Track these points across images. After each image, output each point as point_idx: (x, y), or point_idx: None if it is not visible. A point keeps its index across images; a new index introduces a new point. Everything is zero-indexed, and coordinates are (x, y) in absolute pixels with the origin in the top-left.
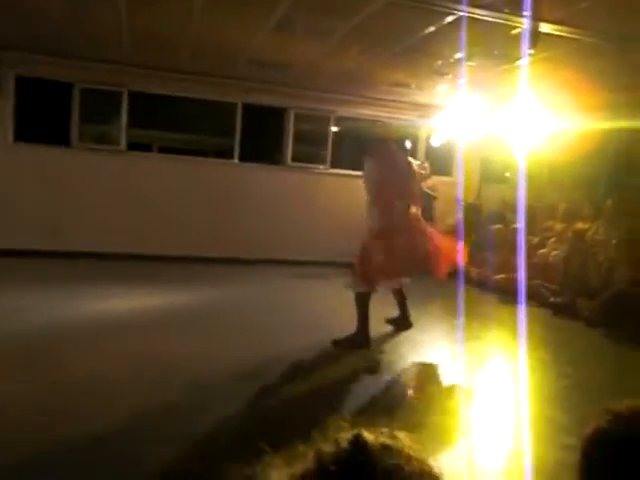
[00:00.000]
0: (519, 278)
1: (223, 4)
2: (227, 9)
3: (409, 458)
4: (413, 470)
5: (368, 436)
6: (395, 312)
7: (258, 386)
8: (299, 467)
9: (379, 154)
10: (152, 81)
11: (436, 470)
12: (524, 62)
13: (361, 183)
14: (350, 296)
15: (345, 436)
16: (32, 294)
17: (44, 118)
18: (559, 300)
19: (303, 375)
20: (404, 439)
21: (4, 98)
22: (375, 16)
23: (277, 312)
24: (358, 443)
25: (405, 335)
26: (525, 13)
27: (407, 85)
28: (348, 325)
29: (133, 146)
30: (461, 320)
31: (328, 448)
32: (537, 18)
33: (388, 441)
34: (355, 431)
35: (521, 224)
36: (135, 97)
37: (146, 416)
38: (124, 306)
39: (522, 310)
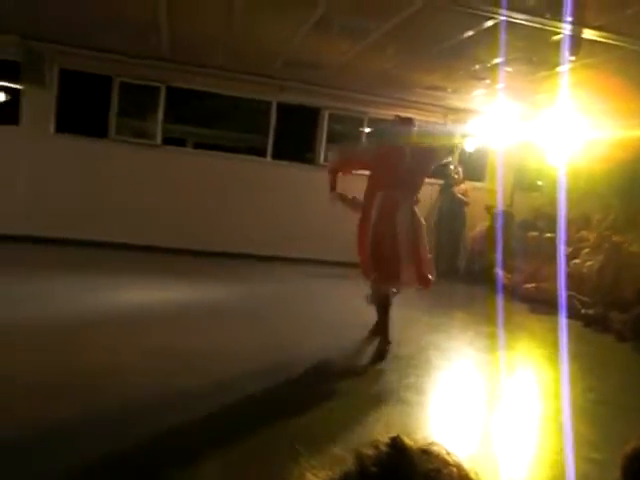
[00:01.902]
0: (557, 288)
1: (263, 4)
2: (266, 9)
3: (447, 463)
4: (451, 474)
5: (407, 440)
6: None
7: (276, 383)
8: (337, 470)
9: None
10: (189, 77)
11: (473, 476)
12: (564, 69)
13: None
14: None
15: (383, 440)
16: (65, 281)
17: (84, 110)
18: (591, 312)
19: (323, 376)
20: (441, 446)
21: (48, 90)
22: (414, 18)
23: (301, 310)
24: (398, 446)
25: (431, 340)
26: (567, 19)
27: (442, 88)
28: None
29: (168, 141)
30: (490, 328)
31: (367, 451)
32: (580, 24)
33: (426, 446)
34: (393, 434)
35: (560, 233)
36: (172, 93)
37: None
38: (152, 298)
39: (558, 321)
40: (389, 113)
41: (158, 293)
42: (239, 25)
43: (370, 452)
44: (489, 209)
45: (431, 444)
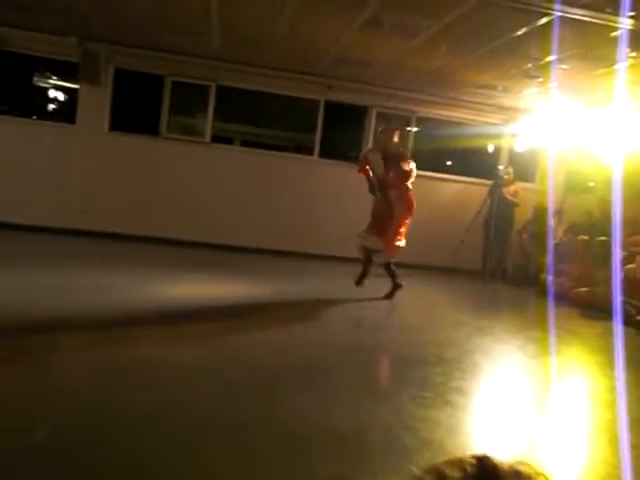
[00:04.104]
0: (610, 293)
1: (314, 3)
2: (317, 7)
3: None
4: None
5: (495, 459)
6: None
7: (319, 385)
8: None
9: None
10: (239, 76)
11: None
12: (622, 65)
13: (440, 184)
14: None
15: (468, 460)
16: (116, 275)
17: (137, 109)
18: None
19: (366, 378)
20: (528, 464)
21: (103, 90)
22: (467, 16)
23: (351, 310)
24: (486, 466)
25: (478, 343)
26: (628, 13)
27: (493, 87)
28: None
29: (216, 139)
30: (539, 333)
31: (452, 472)
32: None
33: (515, 465)
34: (478, 454)
35: (613, 236)
36: (221, 91)
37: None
38: (200, 292)
39: (610, 327)
40: (437, 112)
41: (196, 287)
42: (289, 24)
43: (456, 474)
44: (538, 210)
45: (519, 463)
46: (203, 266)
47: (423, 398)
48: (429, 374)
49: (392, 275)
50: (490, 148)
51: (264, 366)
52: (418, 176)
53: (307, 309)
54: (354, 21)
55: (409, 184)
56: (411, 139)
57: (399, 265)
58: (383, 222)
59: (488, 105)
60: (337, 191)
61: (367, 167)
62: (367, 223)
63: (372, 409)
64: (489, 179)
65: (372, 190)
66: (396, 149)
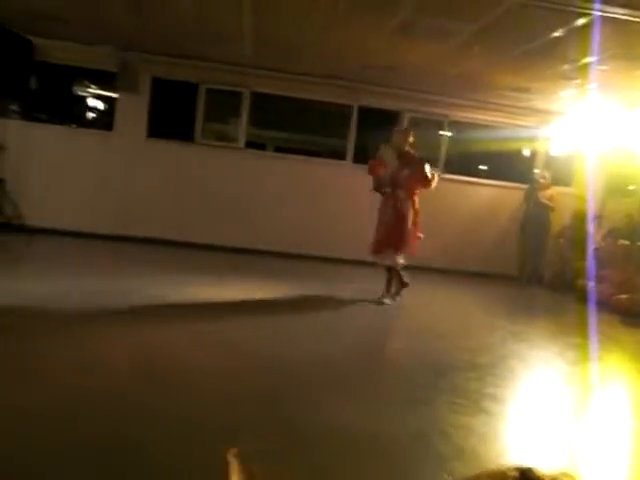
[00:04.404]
0: None
1: (346, 9)
2: (349, 14)
3: None
4: None
5: (537, 471)
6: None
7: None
8: None
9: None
10: (272, 82)
11: None
12: None
13: (473, 188)
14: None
15: (509, 472)
16: (147, 278)
17: (173, 116)
18: None
19: (404, 385)
20: (572, 475)
21: (140, 98)
22: (501, 17)
23: (382, 314)
24: (529, 479)
25: (513, 349)
26: None
27: (527, 90)
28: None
29: (249, 144)
30: (578, 339)
31: None
32: None
33: (560, 477)
34: (520, 466)
35: None
36: (255, 97)
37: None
38: (232, 295)
39: None
40: (470, 116)
41: (227, 291)
42: (321, 30)
43: None
44: (576, 215)
45: (563, 474)
46: (237, 271)
47: (457, 405)
48: (463, 380)
49: (398, 276)
50: (525, 152)
51: (299, 371)
52: (451, 180)
53: (341, 314)
54: (386, 26)
55: (432, 187)
56: (444, 143)
57: (417, 269)
58: (393, 227)
59: (522, 108)
60: (370, 195)
61: (380, 167)
62: (377, 231)
63: (405, 415)
64: (524, 183)
65: (379, 187)
66: (412, 150)
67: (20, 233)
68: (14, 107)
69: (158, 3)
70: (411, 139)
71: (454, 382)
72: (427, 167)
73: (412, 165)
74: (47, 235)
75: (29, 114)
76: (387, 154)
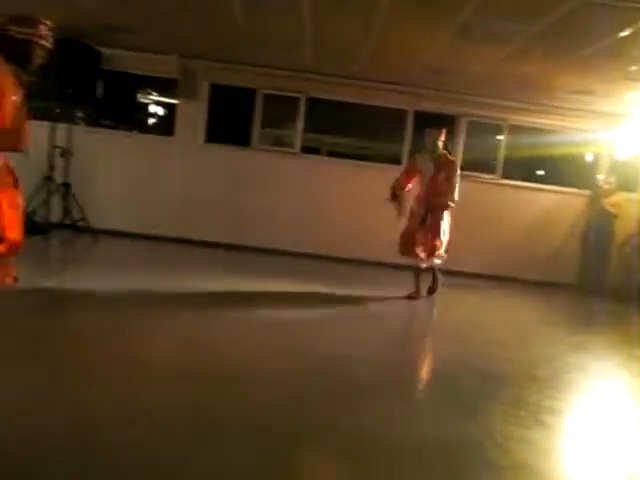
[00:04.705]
0: None
1: (405, 14)
2: (408, 19)
3: None
4: None
5: None
6: None
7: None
8: None
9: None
10: (328, 88)
11: None
12: None
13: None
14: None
15: None
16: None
17: (230, 121)
18: None
19: (462, 397)
20: None
21: (200, 104)
22: (566, 17)
23: (435, 319)
24: None
25: (574, 361)
26: None
27: (591, 92)
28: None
29: (304, 149)
30: None
31: None
32: None
33: None
34: None
35: None
36: (310, 102)
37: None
38: (289, 297)
39: None
40: (530, 120)
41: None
42: (380, 35)
43: None
44: None
45: None
46: (295, 275)
47: (513, 416)
48: (521, 392)
49: (436, 276)
50: (588, 156)
51: (351, 377)
52: (510, 186)
53: (391, 318)
54: (445, 30)
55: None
56: (502, 148)
57: (469, 275)
58: (429, 231)
59: (585, 110)
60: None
61: (410, 178)
62: (408, 232)
63: (463, 426)
64: (587, 189)
65: (395, 195)
66: (444, 150)
67: (85, 234)
68: (80, 114)
69: (222, 16)
70: (442, 139)
71: (510, 393)
72: (456, 173)
73: (447, 168)
74: (110, 236)
75: (94, 120)
76: (422, 161)
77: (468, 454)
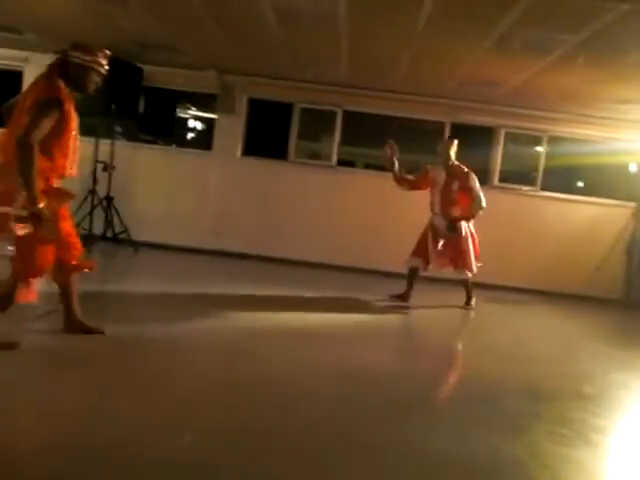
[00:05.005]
0: None
1: (443, 26)
2: (446, 31)
3: None
4: None
5: None
6: None
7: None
8: None
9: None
10: (364, 101)
11: None
12: None
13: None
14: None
15: None
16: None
17: (267, 135)
18: None
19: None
20: None
21: (237, 118)
22: (611, 25)
23: (472, 336)
24: None
25: (620, 378)
26: None
27: (635, 101)
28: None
29: (339, 162)
30: None
31: None
32: None
33: None
34: None
35: None
36: (346, 116)
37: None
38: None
39: None
40: (570, 130)
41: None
42: (416, 48)
43: None
44: None
45: None
46: (330, 287)
47: (558, 435)
48: (564, 409)
49: (469, 288)
50: (632, 167)
51: (393, 394)
52: (550, 198)
53: (429, 332)
54: (483, 41)
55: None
56: (542, 160)
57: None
58: (451, 246)
59: (628, 120)
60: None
61: (424, 182)
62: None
63: (505, 444)
64: (632, 201)
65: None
66: (457, 162)
67: (126, 246)
68: (119, 129)
69: (258, 31)
70: (454, 148)
71: (555, 410)
72: (475, 181)
73: (462, 178)
74: (150, 248)
75: (135, 135)
76: (436, 173)
77: (513, 474)
